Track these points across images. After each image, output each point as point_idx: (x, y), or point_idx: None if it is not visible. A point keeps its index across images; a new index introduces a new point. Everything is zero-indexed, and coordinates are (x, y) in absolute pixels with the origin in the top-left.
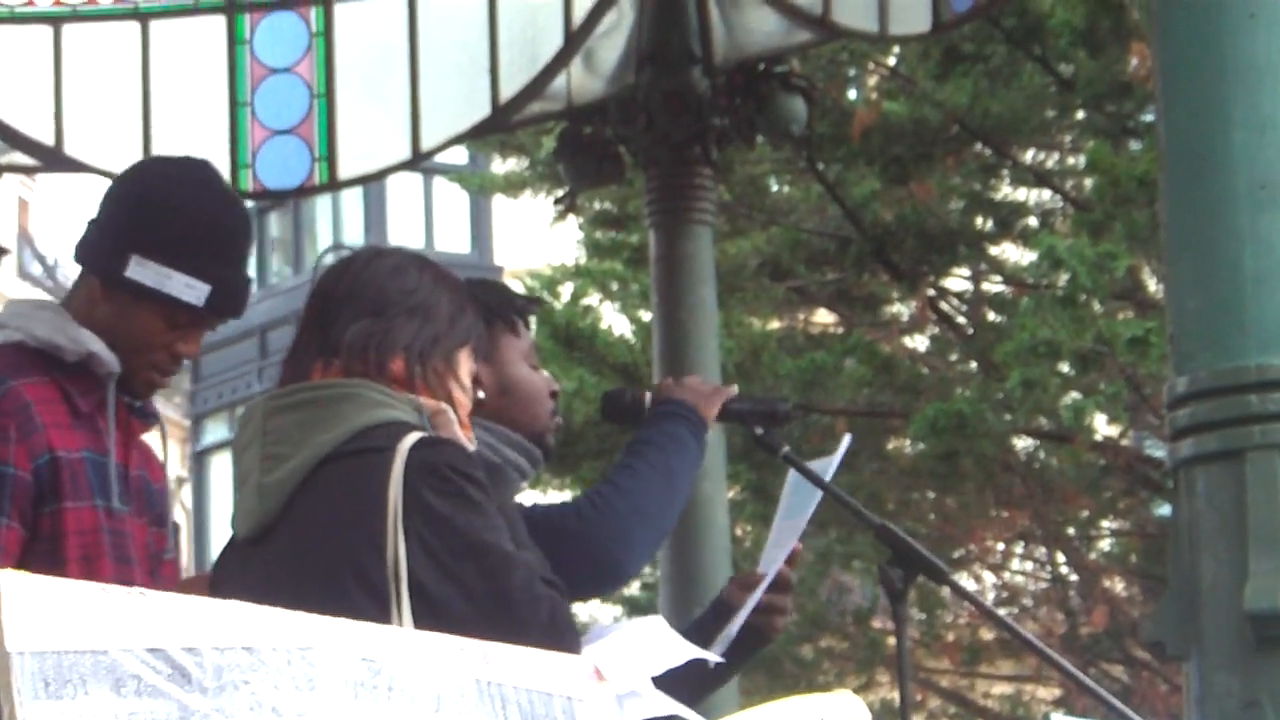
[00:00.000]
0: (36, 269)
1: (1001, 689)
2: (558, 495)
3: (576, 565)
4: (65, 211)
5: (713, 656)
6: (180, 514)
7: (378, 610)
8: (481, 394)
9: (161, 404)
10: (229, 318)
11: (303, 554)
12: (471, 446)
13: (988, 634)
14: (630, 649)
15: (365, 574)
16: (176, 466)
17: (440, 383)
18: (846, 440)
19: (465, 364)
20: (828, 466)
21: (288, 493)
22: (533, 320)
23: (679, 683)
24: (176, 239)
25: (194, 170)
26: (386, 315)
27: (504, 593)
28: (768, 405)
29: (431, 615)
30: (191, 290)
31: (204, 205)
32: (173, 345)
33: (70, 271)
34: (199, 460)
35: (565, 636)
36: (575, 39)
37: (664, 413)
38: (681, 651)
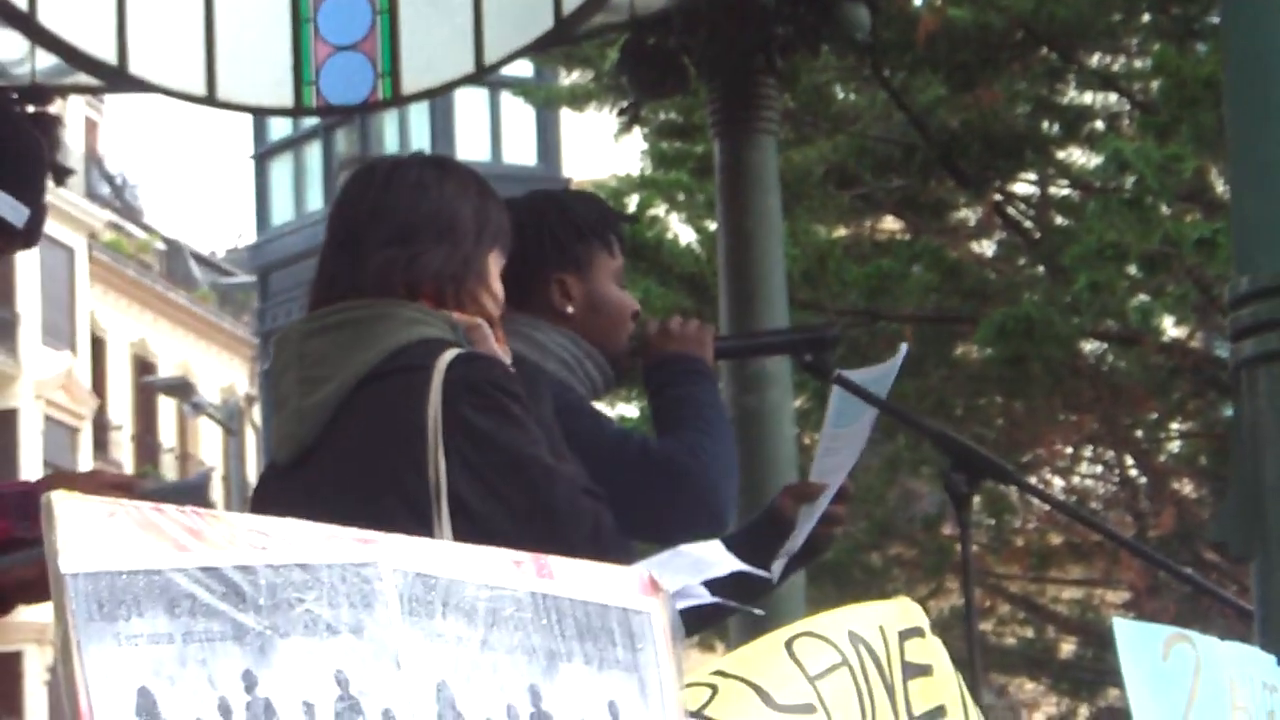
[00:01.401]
0: (105, 189)
1: (1071, 594)
2: (622, 406)
3: (692, 505)
4: (134, 131)
5: (761, 572)
6: (250, 431)
7: (420, 528)
8: (570, 308)
9: (230, 323)
10: (28, 246)
11: (344, 475)
12: (508, 358)
13: (1056, 538)
14: (682, 564)
15: (407, 492)
16: (246, 384)
17: (474, 300)
18: (903, 350)
19: (495, 268)
20: (886, 375)
21: (327, 415)
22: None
23: (727, 589)
24: (5, 162)
25: (6, 100)
26: (413, 242)
27: (547, 506)
28: (814, 332)
29: (475, 531)
30: (16, 212)
31: (25, 133)
32: None
33: (142, 191)
34: (267, 378)
35: (610, 547)
36: None
37: (687, 370)
38: (729, 562)
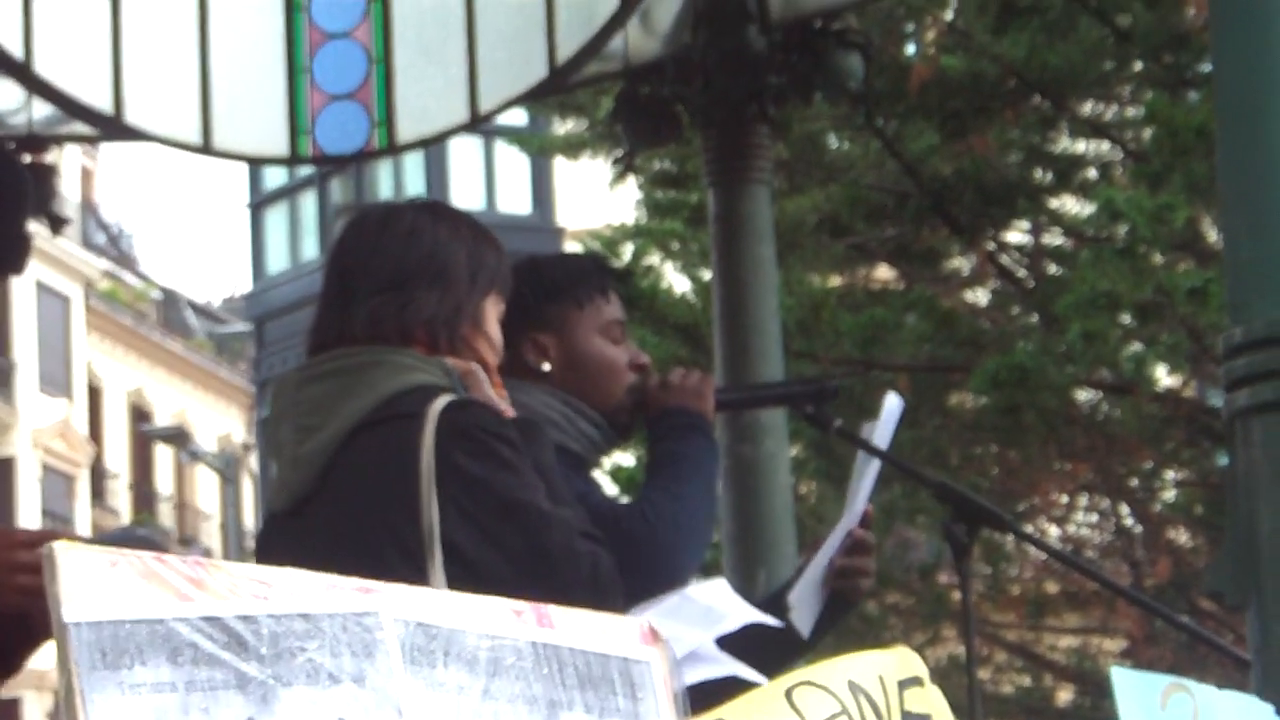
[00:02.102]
0: (101, 238)
1: (1067, 642)
2: (619, 457)
3: (639, 569)
4: (130, 181)
5: (771, 621)
6: (247, 479)
7: (416, 575)
8: (547, 365)
9: (227, 371)
10: (9, 275)
11: (339, 523)
12: (505, 405)
13: (1053, 587)
14: (692, 612)
15: (402, 540)
16: (242, 432)
17: (468, 346)
18: (895, 402)
19: (492, 313)
20: (883, 427)
21: (322, 463)
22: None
23: (762, 649)
24: None
25: None
26: (405, 288)
27: (543, 551)
28: (815, 385)
29: (471, 578)
30: None
31: None
32: None
33: (137, 240)
34: (265, 426)
35: (608, 591)
36: None
37: (677, 424)
38: (742, 615)
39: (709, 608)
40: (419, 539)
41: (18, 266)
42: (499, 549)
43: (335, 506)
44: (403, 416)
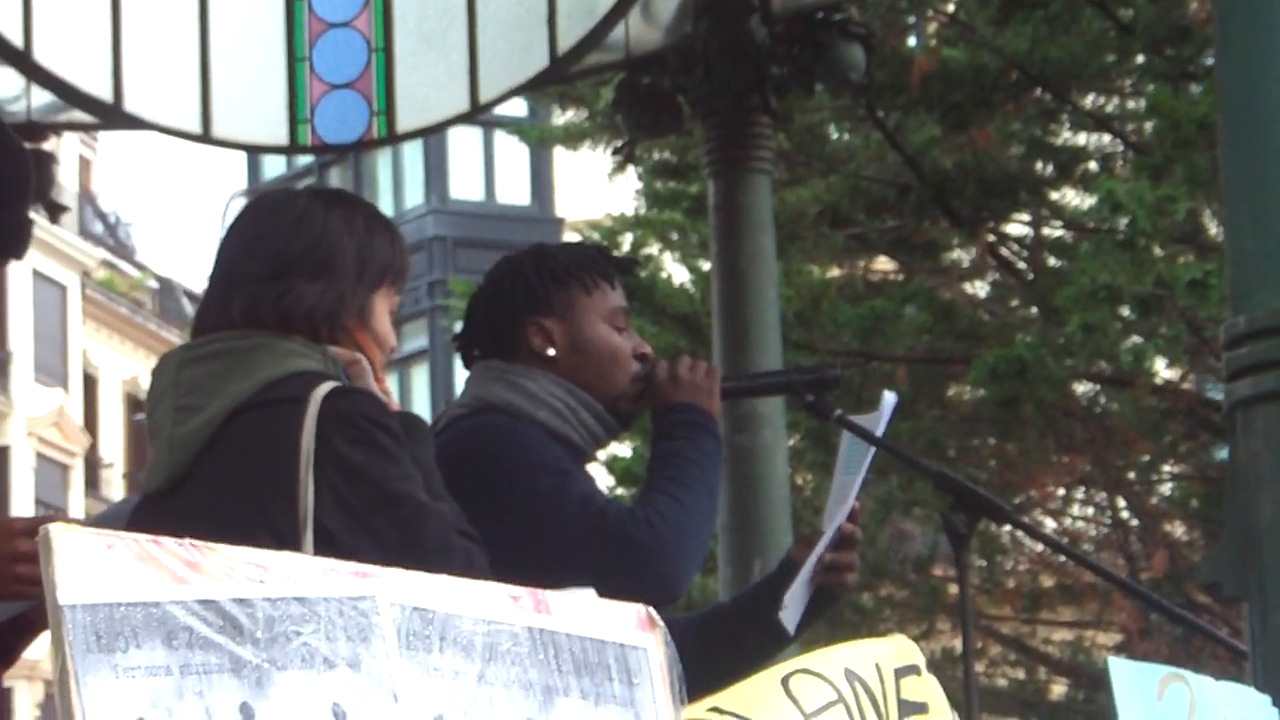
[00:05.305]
0: (98, 227)
1: (1062, 635)
2: (615, 447)
3: (641, 573)
4: (128, 170)
5: None
6: None
7: None
8: (552, 350)
9: None
10: (10, 259)
11: (214, 504)
12: (390, 399)
13: (1048, 580)
14: None
15: (273, 523)
16: None
17: (351, 338)
18: (889, 398)
19: (382, 307)
20: (875, 423)
21: (199, 444)
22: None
23: (743, 642)
24: None
25: None
26: (287, 277)
27: (418, 543)
28: (817, 373)
29: None
30: None
31: None
32: None
33: (135, 229)
34: (145, 405)
35: None
36: None
37: (686, 422)
38: None
39: None
40: (292, 523)
41: (19, 252)
42: (373, 537)
43: (210, 487)
44: (284, 401)
